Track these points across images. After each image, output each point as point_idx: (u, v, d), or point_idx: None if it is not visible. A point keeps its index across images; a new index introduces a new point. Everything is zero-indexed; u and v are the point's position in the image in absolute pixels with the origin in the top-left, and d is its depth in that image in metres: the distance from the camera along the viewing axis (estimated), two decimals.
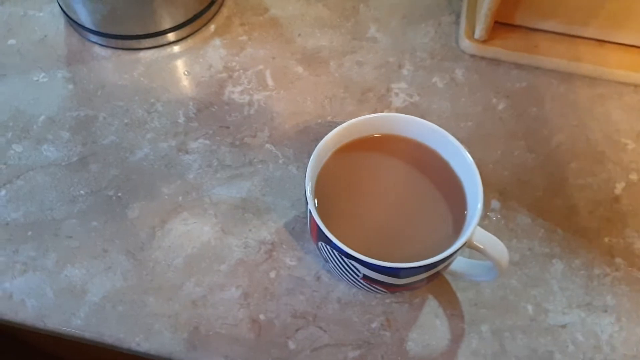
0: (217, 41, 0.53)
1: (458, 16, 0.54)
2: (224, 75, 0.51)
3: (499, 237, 0.40)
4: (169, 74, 0.50)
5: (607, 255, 0.43)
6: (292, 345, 0.39)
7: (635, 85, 0.51)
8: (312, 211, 0.34)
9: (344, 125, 0.38)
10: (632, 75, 0.50)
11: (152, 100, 0.49)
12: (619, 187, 0.46)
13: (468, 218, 0.36)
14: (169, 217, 0.43)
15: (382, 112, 0.49)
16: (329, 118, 0.49)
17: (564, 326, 0.40)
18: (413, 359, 0.39)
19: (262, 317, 0.40)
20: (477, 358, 0.39)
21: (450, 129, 0.48)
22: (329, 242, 0.34)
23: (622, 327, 0.40)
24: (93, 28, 0.50)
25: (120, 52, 0.51)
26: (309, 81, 0.51)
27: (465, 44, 0.52)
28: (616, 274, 0.42)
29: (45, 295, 0.40)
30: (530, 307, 0.41)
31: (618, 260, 0.43)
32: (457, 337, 0.39)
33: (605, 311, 0.41)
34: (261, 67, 0.51)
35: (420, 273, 0.34)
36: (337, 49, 0.53)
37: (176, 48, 0.52)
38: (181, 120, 0.48)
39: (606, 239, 0.44)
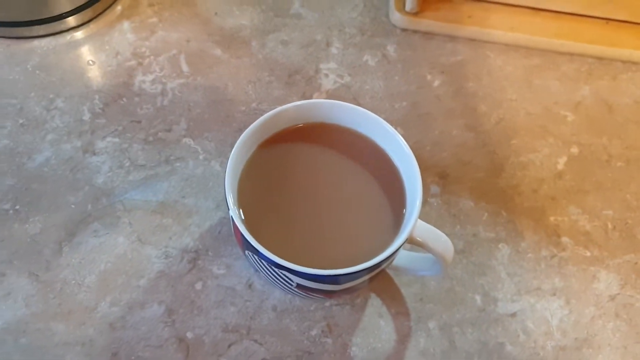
0: (124, 25, 0.47)
1: None
2: (133, 62, 0.45)
3: (441, 224, 0.38)
4: (70, 65, 0.44)
5: (554, 235, 0.41)
6: None
7: (571, 54, 0.49)
8: (234, 218, 0.30)
9: (266, 116, 0.34)
10: (568, 44, 0.48)
11: (51, 96, 0.43)
12: (561, 162, 0.44)
13: (407, 212, 0.33)
14: (78, 230, 0.38)
15: (311, 95, 0.45)
16: (253, 105, 0.44)
17: (513, 315, 0.38)
18: None
19: (189, 334, 0.35)
20: (425, 358, 0.36)
21: (384, 110, 0.45)
22: (255, 251, 0.30)
23: (572, 309, 0.38)
24: None
25: (9, 41, 0.45)
26: (230, 65, 0.46)
27: (396, 17, 0.48)
28: (563, 254, 0.40)
29: None
30: (478, 298, 0.38)
31: (564, 239, 0.41)
32: (403, 337, 0.37)
33: (554, 294, 0.39)
34: (175, 51, 0.46)
35: (361, 277, 0.31)
36: (258, 27, 0.48)
37: (77, 34, 0.46)
38: (86, 117, 0.42)
39: (552, 218, 0.42)
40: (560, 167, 0.44)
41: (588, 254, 0.41)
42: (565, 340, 0.37)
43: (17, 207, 0.38)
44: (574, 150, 0.45)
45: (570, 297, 0.39)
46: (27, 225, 0.38)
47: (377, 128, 0.34)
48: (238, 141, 0.32)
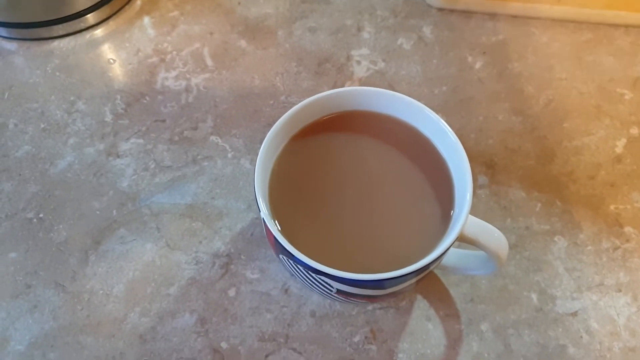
0: (144, 20, 0.45)
1: None
2: (155, 59, 0.43)
3: (490, 218, 0.35)
4: (90, 65, 0.43)
5: (615, 226, 0.37)
6: None
7: (626, 26, 0.45)
8: (265, 220, 0.28)
9: (298, 106, 0.31)
10: (622, 15, 0.44)
11: (72, 98, 0.41)
12: (620, 145, 0.40)
13: (456, 207, 0.29)
14: (103, 237, 0.36)
15: (343, 84, 0.42)
16: (282, 98, 0.42)
17: (574, 314, 0.35)
18: None
19: (224, 345, 0.33)
20: None
21: (423, 96, 0.42)
22: (290, 256, 0.27)
23: None
24: None
25: (28, 43, 0.43)
26: (255, 56, 0.43)
27: None
28: (627, 246, 0.37)
29: None
30: (534, 296, 0.35)
31: (628, 229, 0.37)
32: (454, 342, 0.34)
33: (620, 290, 0.35)
34: (198, 45, 0.44)
35: (408, 280, 0.28)
36: (284, 15, 0.45)
37: (97, 33, 0.44)
38: (108, 118, 0.40)
39: (612, 207, 0.38)
40: (618, 150, 0.40)
41: None
42: (635, 340, 0.34)
43: (41, 215, 0.37)
44: (634, 131, 0.41)
45: (638, 293, 0.35)
46: (51, 234, 0.36)
47: (418, 114, 0.31)
48: (268, 134, 0.30)
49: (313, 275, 0.28)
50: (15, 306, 0.34)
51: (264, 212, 0.28)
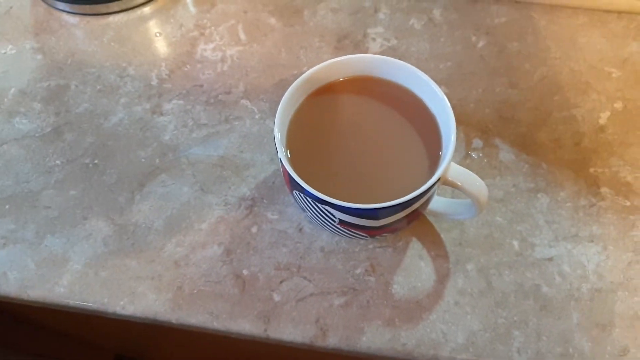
0: (187, 0, 0.51)
1: None
2: (196, 33, 0.49)
3: (482, 176, 0.40)
4: (140, 37, 0.49)
5: (593, 186, 0.42)
6: (277, 297, 0.39)
7: (619, 12, 0.49)
8: (281, 159, 0.34)
9: (313, 69, 0.37)
10: (615, 2, 0.48)
11: (124, 65, 0.48)
12: (604, 117, 0.45)
13: (442, 155, 0.35)
14: (147, 180, 0.43)
15: None
16: (305, 69, 0.47)
17: (550, 259, 0.40)
18: (399, 302, 0.38)
19: (245, 272, 0.39)
20: (463, 296, 0.39)
21: (429, 70, 0.47)
22: (301, 189, 0.33)
23: (609, 255, 0.39)
24: None
25: (88, 18, 0.50)
26: (283, 32, 0.49)
27: None
28: (602, 204, 0.41)
29: (27, 267, 0.40)
30: (516, 243, 0.40)
31: (604, 190, 0.42)
32: (442, 278, 0.39)
33: (592, 241, 0.40)
34: (233, 22, 0.50)
35: (397, 212, 0.34)
36: None
37: (146, 10, 0.51)
38: (154, 82, 0.47)
39: (592, 170, 0.43)
40: (602, 121, 0.45)
41: (628, 203, 0.41)
42: (601, 283, 0.39)
43: (96, 161, 0.44)
44: (618, 105, 0.45)
45: (608, 244, 0.40)
46: (104, 177, 0.43)
47: (413, 78, 0.37)
48: (288, 90, 0.36)
49: (319, 205, 0.33)
50: (73, 234, 0.41)
51: (281, 152, 0.34)
